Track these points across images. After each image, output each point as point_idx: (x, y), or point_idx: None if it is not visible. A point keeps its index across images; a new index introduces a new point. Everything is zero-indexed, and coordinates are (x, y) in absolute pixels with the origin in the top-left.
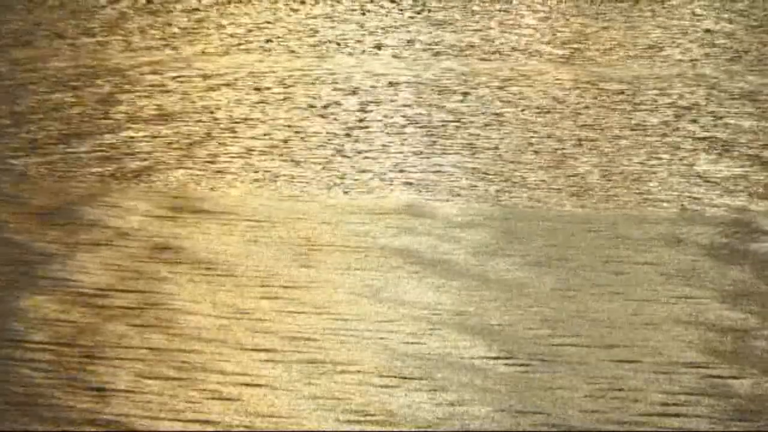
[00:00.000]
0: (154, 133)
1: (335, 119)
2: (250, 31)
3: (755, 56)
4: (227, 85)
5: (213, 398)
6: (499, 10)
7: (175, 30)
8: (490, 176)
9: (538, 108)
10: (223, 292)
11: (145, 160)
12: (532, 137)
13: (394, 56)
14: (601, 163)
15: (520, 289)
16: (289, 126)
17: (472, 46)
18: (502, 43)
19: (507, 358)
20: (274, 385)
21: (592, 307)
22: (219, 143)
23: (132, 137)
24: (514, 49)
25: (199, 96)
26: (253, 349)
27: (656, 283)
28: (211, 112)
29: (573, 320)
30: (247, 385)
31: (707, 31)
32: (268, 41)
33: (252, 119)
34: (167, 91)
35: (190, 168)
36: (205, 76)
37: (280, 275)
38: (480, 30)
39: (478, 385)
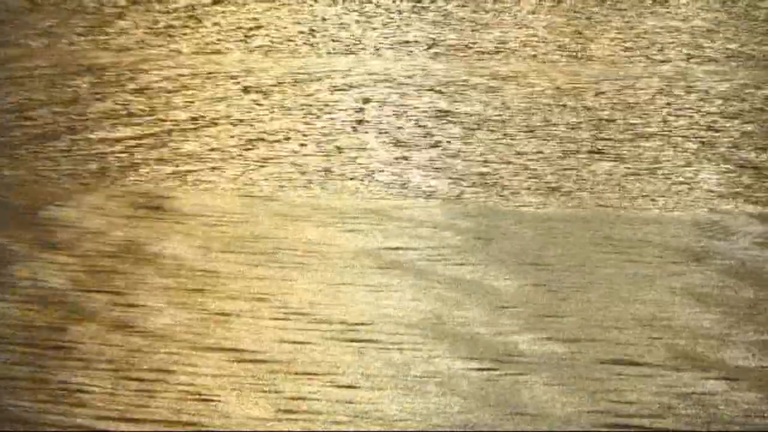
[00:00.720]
0: (134, 132)
1: (316, 119)
2: (244, 29)
3: (748, 57)
4: (212, 83)
5: (190, 399)
6: (496, 10)
7: (166, 28)
8: (473, 176)
9: (527, 108)
10: (199, 293)
11: (122, 159)
12: (519, 138)
13: (388, 56)
14: (588, 164)
15: (499, 290)
16: (269, 126)
17: (466, 46)
18: (495, 42)
19: (490, 360)
20: (251, 387)
21: (574, 309)
22: (199, 143)
23: (111, 136)
24: (507, 48)
25: (182, 94)
26: (230, 349)
27: (639, 284)
28: (194, 111)
29: (554, 322)
30: (224, 387)
31: (704, 30)
32: (259, 40)
33: (235, 119)
34: (150, 90)
35: (169, 167)
36: (192, 75)
37: (255, 276)
38: (471, 29)
39: (462, 389)
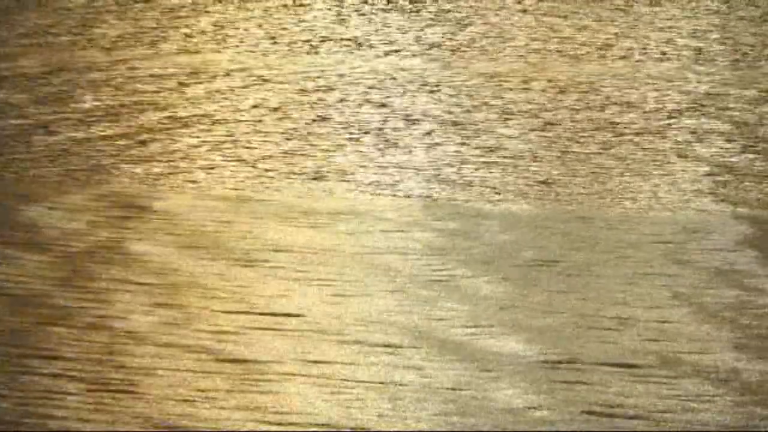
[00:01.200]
0: (122, 131)
1: (308, 120)
2: (241, 29)
3: (744, 57)
4: (198, 83)
5: (174, 400)
6: (493, 9)
7: (159, 27)
8: (468, 177)
9: (523, 108)
10: (185, 294)
11: (109, 158)
12: (516, 137)
13: (382, 56)
14: (567, 164)
15: (492, 292)
16: (262, 126)
17: (461, 45)
18: (491, 41)
19: (482, 362)
20: (237, 388)
21: (567, 310)
22: (189, 142)
23: (98, 136)
24: (504, 47)
25: (175, 93)
26: (216, 350)
27: (633, 286)
28: (184, 110)
29: (547, 324)
30: (209, 388)
31: (701, 30)
32: (255, 39)
33: (227, 118)
34: (141, 89)
35: (157, 167)
36: (184, 74)
37: (243, 277)
38: (468, 29)
39: (454, 391)
